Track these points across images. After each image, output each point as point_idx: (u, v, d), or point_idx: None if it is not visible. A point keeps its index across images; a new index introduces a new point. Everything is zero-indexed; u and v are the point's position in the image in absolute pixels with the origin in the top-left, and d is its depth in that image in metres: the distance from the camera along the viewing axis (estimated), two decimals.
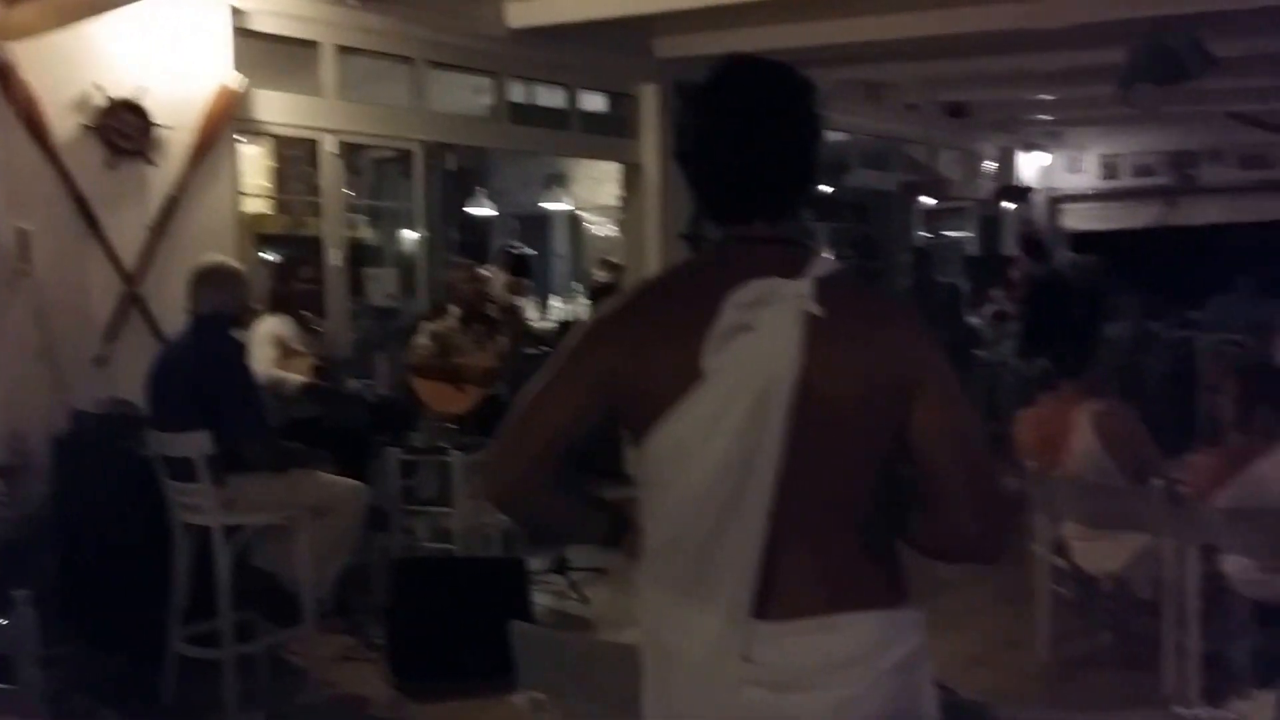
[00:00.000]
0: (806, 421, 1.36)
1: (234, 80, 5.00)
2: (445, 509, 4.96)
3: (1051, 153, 11.09)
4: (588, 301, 8.60)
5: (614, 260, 8.25)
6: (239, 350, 3.91)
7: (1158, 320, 8.62)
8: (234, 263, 4.16)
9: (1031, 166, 11.02)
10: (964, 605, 4.88)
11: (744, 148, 1.45)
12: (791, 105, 1.47)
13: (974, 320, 8.94)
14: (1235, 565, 3.68)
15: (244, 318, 4.22)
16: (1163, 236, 10.57)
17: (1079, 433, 4.23)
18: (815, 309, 1.37)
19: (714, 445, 1.37)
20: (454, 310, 5.67)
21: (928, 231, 11.25)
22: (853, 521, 1.42)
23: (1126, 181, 10.91)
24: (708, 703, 1.41)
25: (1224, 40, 5.57)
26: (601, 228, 10.67)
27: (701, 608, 1.39)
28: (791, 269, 1.41)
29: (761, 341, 1.37)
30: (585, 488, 1.53)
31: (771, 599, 1.38)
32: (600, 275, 8.19)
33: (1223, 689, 3.14)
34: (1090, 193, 11.11)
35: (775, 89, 1.47)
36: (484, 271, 6.64)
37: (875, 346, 1.40)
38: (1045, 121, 10.34)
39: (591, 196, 10.38)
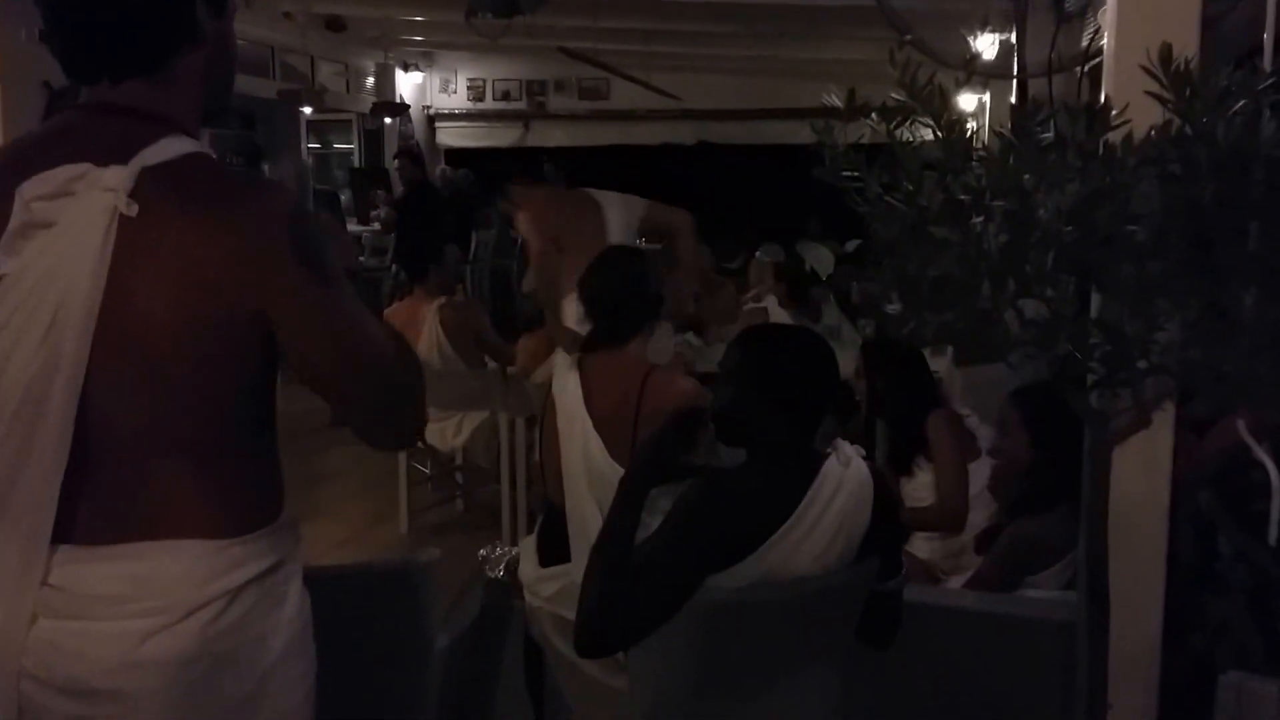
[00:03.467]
0: (119, 338, 1.12)
1: None
2: None
3: (425, 73, 11.18)
4: None
5: None
6: None
7: (514, 228, 9.26)
8: None
9: (409, 85, 11.03)
10: (337, 494, 4.84)
11: None
12: None
13: (357, 228, 8.84)
14: None
15: None
16: (522, 155, 11.34)
17: (428, 327, 4.35)
18: (124, 207, 1.11)
19: (13, 361, 1.13)
20: None
21: (317, 142, 10.80)
22: (185, 448, 1.18)
23: (491, 105, 11.35)
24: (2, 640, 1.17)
25: None
26: None
27: (6, 534, 1.17)
28: (122, 151, 1.13)
29: (61, 242, 1.12)
30: None
31: (79, 524, 1.17)
32: None
33: None
34: (460, 113, 11.43)
35: None
36: None
37: (208, 259, 1.12)
38: (419, 43, 10.38)
39: None
